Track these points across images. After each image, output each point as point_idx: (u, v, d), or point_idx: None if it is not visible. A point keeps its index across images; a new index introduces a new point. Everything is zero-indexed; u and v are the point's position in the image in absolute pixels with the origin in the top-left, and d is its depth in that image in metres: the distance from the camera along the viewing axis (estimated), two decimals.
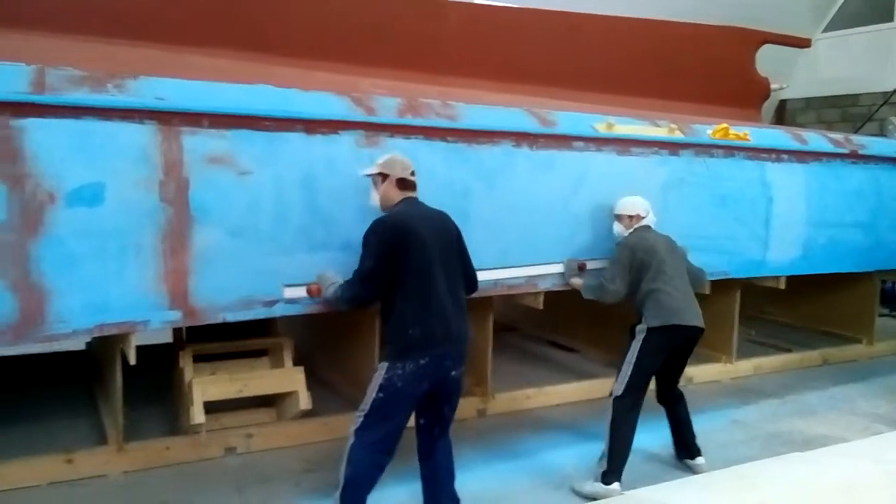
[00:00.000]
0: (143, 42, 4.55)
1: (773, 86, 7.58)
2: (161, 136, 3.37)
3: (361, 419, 3.10)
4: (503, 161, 4.31)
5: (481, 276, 4.05)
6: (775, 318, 7.53)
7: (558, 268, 4.52)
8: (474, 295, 3.98)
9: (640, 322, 3.90)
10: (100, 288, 3.25)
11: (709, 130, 5.34)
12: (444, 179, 4.04)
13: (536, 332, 6.85)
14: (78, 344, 4.92)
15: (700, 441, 4.09)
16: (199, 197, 3.43)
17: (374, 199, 3.46)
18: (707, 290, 5.17)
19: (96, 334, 3.38)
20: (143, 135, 3.34)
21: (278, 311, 3.68)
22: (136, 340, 3.45)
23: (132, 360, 3.45)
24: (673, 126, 5.16)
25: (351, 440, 3.10)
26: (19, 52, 3.48)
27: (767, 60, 7.48)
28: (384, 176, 3.38)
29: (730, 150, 5.33)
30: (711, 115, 6.21)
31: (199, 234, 3.43)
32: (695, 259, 4.43)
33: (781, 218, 5.53)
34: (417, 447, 3.32)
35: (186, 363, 4.04)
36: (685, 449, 4.09)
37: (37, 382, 4.99)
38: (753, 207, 5.39)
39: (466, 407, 4.70)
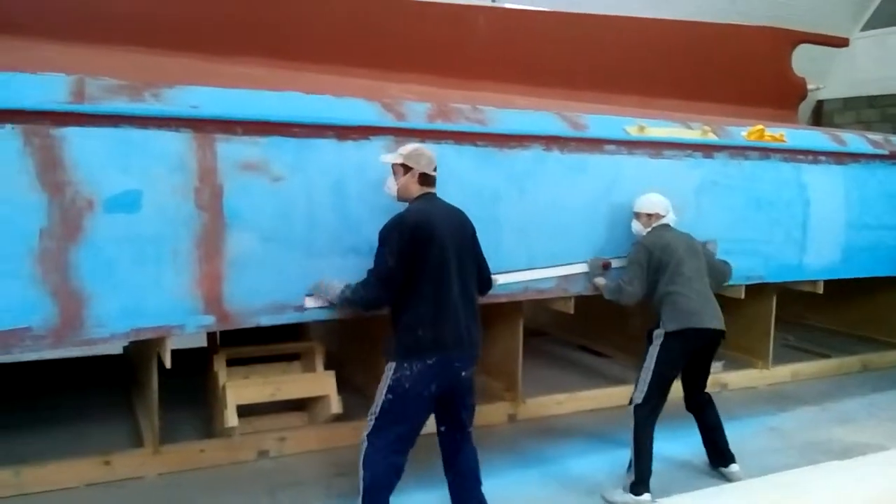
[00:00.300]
0: (168, 51, 4.61)
1: (810, 86, 7.42)
2: (196, 144, 3.43)
3: (372, 423, 3.07)
4: (533, 165, 4.28)
5: (511, 278, 4.05)
6: (814, 323, 7.37)
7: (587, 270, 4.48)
8: (504, 300, 3.97)
9: (657, 327, 3.83)
10: (137, 293, 3.31)
11: (744, 132, 5.26)
12: (474, 184, 4.03)
13: (567, 337, 6.80)
14: (115, 348, 5.01)
15: (735, 448, 4.01)
16: (233, 203, 3.47)
17: (391, 188, 3.38)
18: (741, 295, 5.10)
19: (133, 338, 3.45)
20: (178, 142, 3.40)
21: (309, 315, 3.71)
22: (172, 344, 3.51)
23: (168, 364, 3.51)
24: (706, 128, 5.09)
25: (364, 445, 3.06)
26: (57, 63, 3.56)
27: (804, 60, 7.32)
28: (407, 168, 3.30)
29: (765, 151, 5.24)
30: (747, 117, 6.11)
31: (233, 239, 3.48)
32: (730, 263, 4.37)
33: (819, 221, 5.42)
34: (442, 456, 3.29)
35: (220, 367, 4.10)
36: (719, 456, 4.01)
37: (76, 386, 5.11)
38: (790, 210, 5.29)
39: (496, 412, 4.69)
